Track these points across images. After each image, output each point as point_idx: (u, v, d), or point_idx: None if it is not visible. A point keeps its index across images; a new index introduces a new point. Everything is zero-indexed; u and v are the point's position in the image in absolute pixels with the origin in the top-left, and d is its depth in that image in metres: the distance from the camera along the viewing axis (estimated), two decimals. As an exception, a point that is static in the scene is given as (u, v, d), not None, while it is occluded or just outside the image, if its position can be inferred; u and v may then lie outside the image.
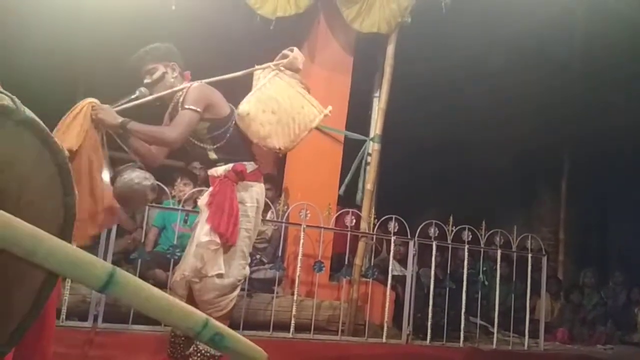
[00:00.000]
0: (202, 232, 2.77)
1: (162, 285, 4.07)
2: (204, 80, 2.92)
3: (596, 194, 7.95)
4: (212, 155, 2.90)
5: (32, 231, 0.90)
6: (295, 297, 4.31)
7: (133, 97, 2.79)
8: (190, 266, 2.76)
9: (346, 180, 5.18)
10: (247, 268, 2.91)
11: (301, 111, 3.03)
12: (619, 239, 8.50)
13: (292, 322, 4.25)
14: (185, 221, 4.36)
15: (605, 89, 6.91)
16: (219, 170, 2.88)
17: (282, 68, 3.06)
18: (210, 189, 2.92)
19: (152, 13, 4.64)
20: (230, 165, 2.86)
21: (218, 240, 2.73)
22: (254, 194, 2.90)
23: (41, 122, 1.13)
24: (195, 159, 3.05)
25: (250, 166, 2.91)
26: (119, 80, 2.88)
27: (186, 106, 2.75)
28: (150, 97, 2.83)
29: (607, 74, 6.88)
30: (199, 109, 2.76)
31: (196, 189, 4.40)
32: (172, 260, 3.96)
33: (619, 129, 7.19)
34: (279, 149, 3.00)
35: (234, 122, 2.91)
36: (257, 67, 3.09)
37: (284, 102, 2.98)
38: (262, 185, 3.00)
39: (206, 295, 2.76)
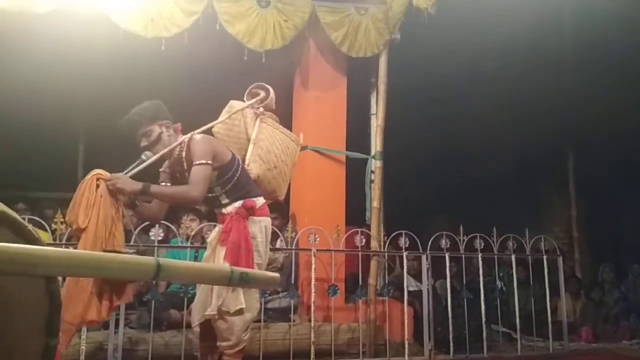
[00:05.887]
0: None
1: (177, 324, 4.07)
2: (196, 132, 3.00)
3: (606, 186, 7.85)
4: (224, 200, 2.98)
5: (94, 254, 1.21)
6: (312, 323, 4.27)
7: (138, 162, 2.84)
8: (213, 306, 2.82)
9: (367, 205, 5.15)
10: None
11: (288, 151, 3.28)
12: (635, 229, 8.38)
13: (312, 348, 4.19)
14: (196, 257, 4.34)
15: (602, 82, 6.90)
16: (229, 208, 2.97)
17: (261, 109, 3.22)
18: (220, 226, 2.99)
19: (144, 53, 4.70)
20: (240, 202, 2.95)
21: None
22: (263, 228, 3.00)
23: (10, 212, 1.07)
24: (208, 206, 3.29)
25: (259, 201, 3.01)
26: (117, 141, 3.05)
27: (197, 162, 2.82)
28: (153, 159, 2.88)
29: (602, 67, 6.88)
30: (209, 162, 2.84)
31: (203, 224, 4.40)
32: (185, 298, 3.95)
33: (621, 120, 7.16)
34: (280, 198, 3.35)
35: (238, 165, 3.01)
36: (235, 108, 3.21)
37: (278, 152, 3.21)
38: (269, 219, 3.10)
39: (234, 332, 2.83)
